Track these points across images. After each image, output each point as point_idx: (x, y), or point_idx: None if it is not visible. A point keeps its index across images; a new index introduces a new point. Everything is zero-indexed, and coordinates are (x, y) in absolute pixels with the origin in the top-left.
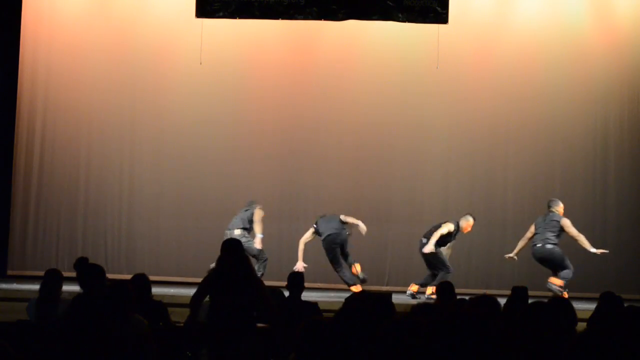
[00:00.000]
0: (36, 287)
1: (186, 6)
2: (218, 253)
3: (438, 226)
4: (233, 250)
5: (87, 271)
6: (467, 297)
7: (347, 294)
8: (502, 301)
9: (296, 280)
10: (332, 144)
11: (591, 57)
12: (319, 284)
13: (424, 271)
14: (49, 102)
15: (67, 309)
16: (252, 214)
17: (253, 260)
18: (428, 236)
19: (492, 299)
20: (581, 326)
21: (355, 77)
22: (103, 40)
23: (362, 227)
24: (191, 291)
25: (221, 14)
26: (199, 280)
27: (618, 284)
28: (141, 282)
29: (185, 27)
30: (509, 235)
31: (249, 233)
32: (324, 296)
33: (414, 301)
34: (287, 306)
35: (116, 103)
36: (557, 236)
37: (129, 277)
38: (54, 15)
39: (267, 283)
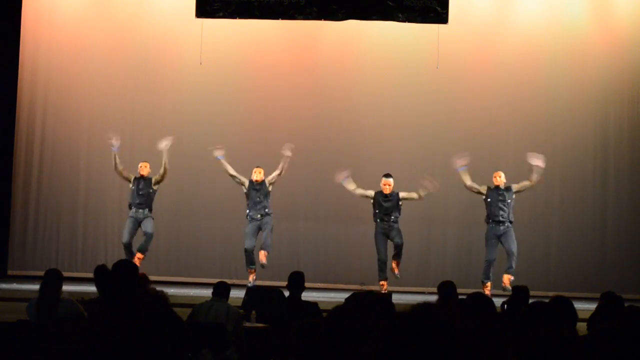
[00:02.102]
0: (36, 287)
1: (186, 6)
2: (217, 253)
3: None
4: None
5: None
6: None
7: (347, 294)
8: (502, 301)
9: (296, 280)
10: (331, 143)
11: (591, 57)
12: (319, 284)
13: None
14: (48, 103)
15: (92, 311)
16: None
17: None
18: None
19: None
20: (581, 326)
21: (355, 77)
22: (103, 41)
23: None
24: (191, 291)
25: (221, 14)
26: (198, 280)
27: (618, 284)
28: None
29: (185, 27)
30: None
31: None
32: (324, 296)
33: (414, 301)
34: (287, 306)
35: (116, 103)
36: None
37: None
38: (54, 15)
39: (267, 283)
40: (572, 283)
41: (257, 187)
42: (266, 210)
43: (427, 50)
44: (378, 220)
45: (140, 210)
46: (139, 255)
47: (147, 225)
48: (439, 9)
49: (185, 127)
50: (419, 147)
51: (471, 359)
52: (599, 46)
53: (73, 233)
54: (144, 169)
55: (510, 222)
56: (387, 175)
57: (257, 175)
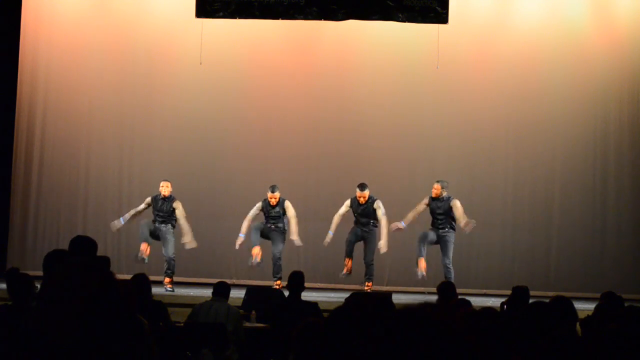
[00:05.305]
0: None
1: (186, 6)
2: (217, 253)
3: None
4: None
5: (17, 281)
6: (467, 297)
7: (347, 294)
8: (502, 301)
9: (296, 280)
10: (331, 143)
11: (591, 57)
12: (319, 284)
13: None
14: (48, 102)
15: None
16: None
17: None
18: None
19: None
20: None
21: (355, 77)
22: (103, 40)
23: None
24: (191, 291)
25: (221, 14)
26: (198, 280)
27: (618, 284)
28: (141, 282)
29: (185, 27)
30: (508, 236)
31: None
32: (324, 296)
33: (415, 301)
34: (287, 306)
35: (116, 103)
36: None
37: (129, 277)
38: (54, 15)
39: (266, 283)
40: (572, 283)
41: (272, 208)
42: (281, 225)
43: (427, 50)
44: (357, 223)
45: (163, 226)
46: (167, 279)
47: (168, 247)
48: (439, 9)
49: (184, 127)
50: (419, 147)
51: (471, 359)
52: (599, 46)
53: (73, 233)
54: (166, 189)
55: None
56: (362, 187)
57: (273, 200)
